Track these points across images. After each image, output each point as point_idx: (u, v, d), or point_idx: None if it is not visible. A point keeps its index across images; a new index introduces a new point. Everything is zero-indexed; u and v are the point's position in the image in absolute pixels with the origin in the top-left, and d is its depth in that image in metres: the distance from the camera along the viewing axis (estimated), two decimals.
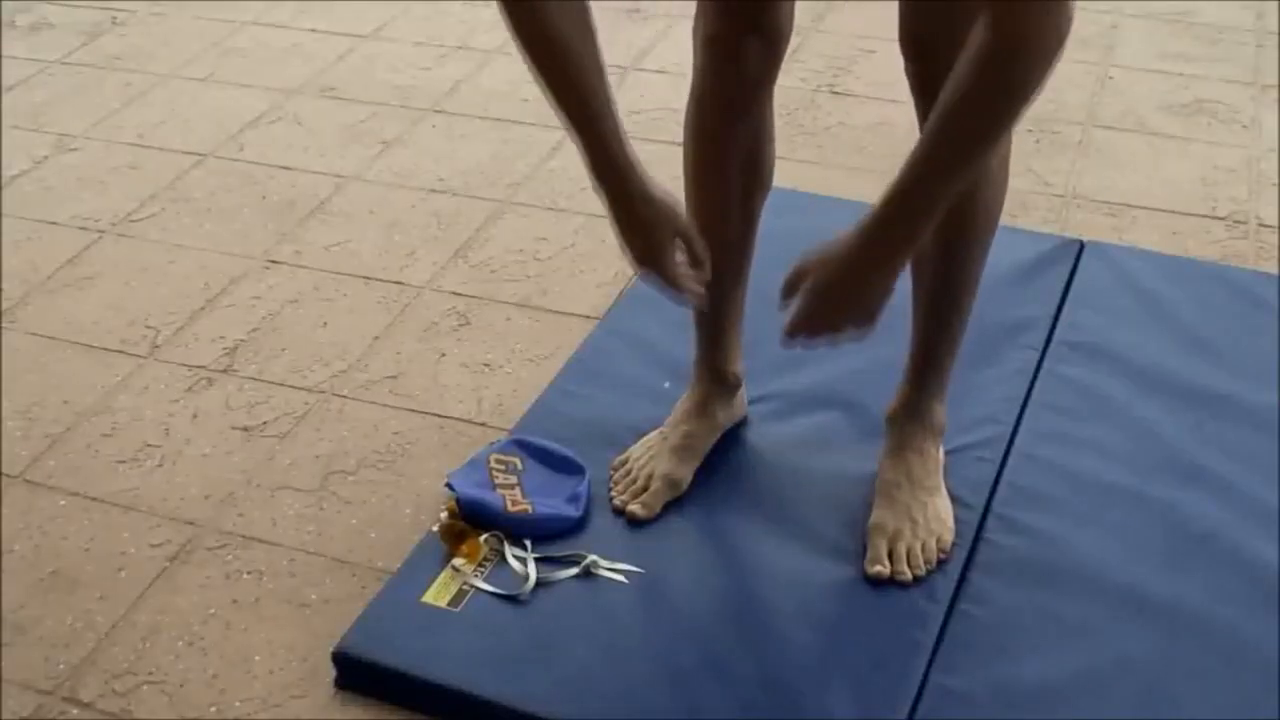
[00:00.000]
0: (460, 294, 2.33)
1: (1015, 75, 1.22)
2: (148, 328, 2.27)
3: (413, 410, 2.07)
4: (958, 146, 1.29)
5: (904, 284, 1.70)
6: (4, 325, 2.28)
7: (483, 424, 2.03)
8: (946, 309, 1.74)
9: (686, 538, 1.77)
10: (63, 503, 1.91)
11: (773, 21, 1.63)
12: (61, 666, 1.66)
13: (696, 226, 1.64)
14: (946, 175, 1.31)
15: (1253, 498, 1.80)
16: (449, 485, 1.81)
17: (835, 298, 1.41)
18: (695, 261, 1.60)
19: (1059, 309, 2.16)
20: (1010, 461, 1.87)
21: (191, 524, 1.87)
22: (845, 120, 2.85)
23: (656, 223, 1.54)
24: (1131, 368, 2.04)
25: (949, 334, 1.75)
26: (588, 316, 2.25)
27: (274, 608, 1.73)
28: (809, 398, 1.98)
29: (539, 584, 1.68)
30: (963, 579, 1.69)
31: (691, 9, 1.66)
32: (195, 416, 2.07)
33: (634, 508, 1.78)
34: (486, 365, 2.16)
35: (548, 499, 1.79)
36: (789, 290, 1.43)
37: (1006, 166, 1.62)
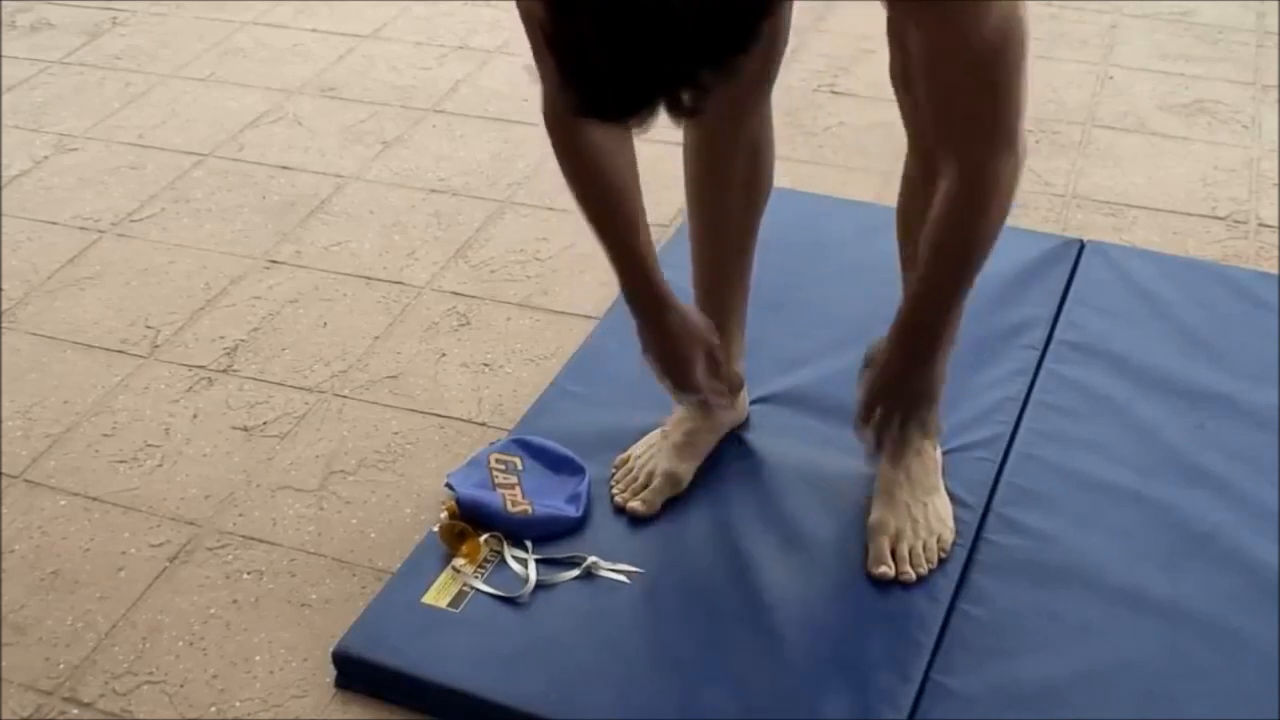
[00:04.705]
0: (460, 294, 2.33)
1: (982, 217, 1.42)
2: (148, 328, 2.27)
3: (413, 410, 2.07)
4: (948, 273, 1.49)
5: (894, 287, 1.72)
6: (4, 325, 2.28)
7: (483, 424, 2.03)
8: None
9: (687, 538, 1.77)
10: (63, 503, 1.91)
11: (772, 20, 1.63)
12: (61, 666, 1.66)
13: (697, 230, 1.75)
14: (946, 295, 1.51)
15: (1253, 498, 1.80)
16: (449, 485, 1.81)
17: (898, 397, 1.58)
18: (718, 372, 1.71)
19: (1059, 309, 2.16)
20: (1010, 461, 1.87)
21: (191, 524, 1.87)
22: (845, 120, 2.85)
23: (686, 339, 1.67)
24: (1131, 368, 2.04)
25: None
26: (588, 316, 2.25)
27: (274, 608, 1.73)
28: (809, 398, 1.98)
29: (539, 586, 1.68)
30: (963, 579, 1.69)
31: None
32: (195, 416, 2.07)
33: (634, 504, 1.78)
34: (486, 365, 2.16)
35: (547, 499, 1.79)
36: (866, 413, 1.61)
37: (1011, 196, 1.52)
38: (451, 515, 1.75)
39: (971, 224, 1.43)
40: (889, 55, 1.57)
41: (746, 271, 1.83)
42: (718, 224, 1.71)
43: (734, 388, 1.89)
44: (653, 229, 2.43)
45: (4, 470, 1.97)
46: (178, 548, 1.83)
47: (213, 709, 1.60)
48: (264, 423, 2.05)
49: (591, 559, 1.71)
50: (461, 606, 1.66)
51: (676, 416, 1.87)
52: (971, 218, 1.42)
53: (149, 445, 2.01)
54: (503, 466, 1.84)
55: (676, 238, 2.24)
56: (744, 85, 1.68)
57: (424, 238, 2.50)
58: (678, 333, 1.66)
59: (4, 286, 2.39)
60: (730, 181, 1.73)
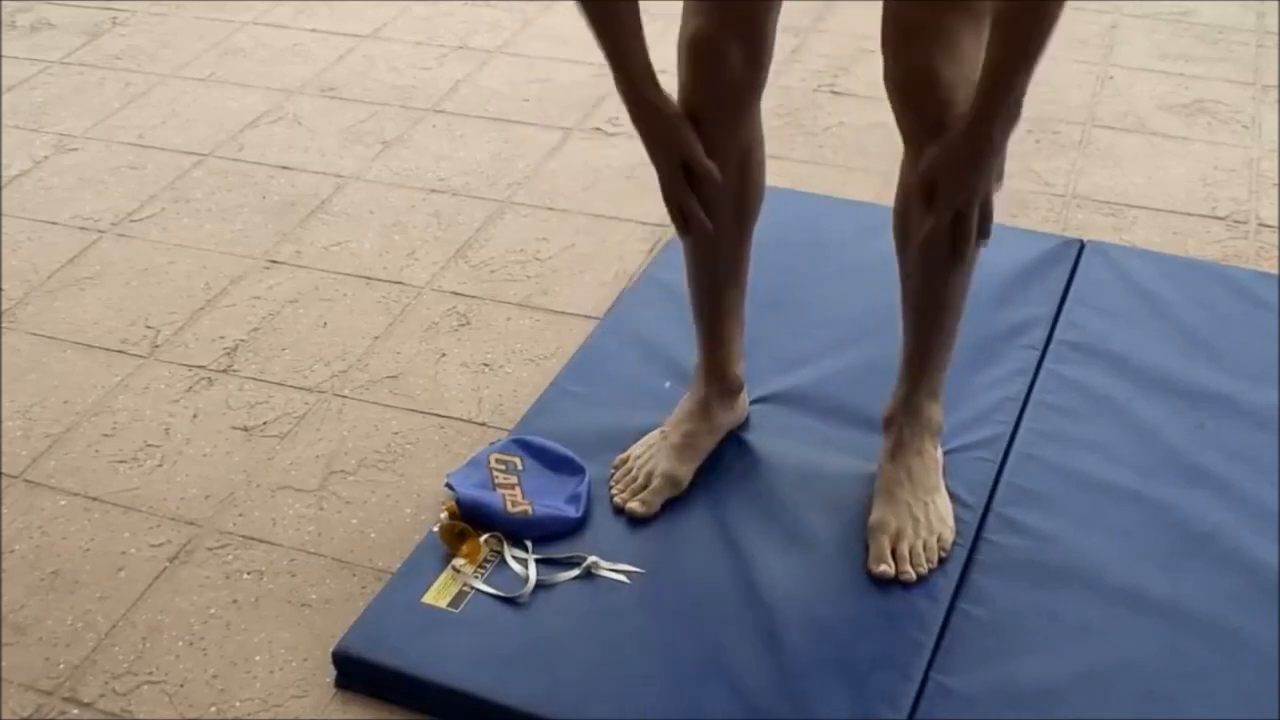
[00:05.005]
0: (460, 294, 2.33)
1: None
2: (148, 328, 2.27)
3: (413, 410, 2.07)
4: (1017, 46, 1.49)
5: (894, 288, 1.72)
6: (4, 325, 2.28)
7: (483, 424, 2.03)
8: (937, 309, 1.73)
9: (687, 538, 1.77)
10: (63, 503, 1.91)
11: (756, 28, 1.63)
12: (61, 666, 1.66)
13: (690, 240, 1.75)
14: (1014, 69, 1.50)
15: (1253, 498, 1.80)
16: (449, 485, 1.81)
17: (961, 175, 1.55)
18: (696, 181, 1.66)
19: (1059, 309, 2.16)
20: (1010, 461, 1.86)
21: (191, 524, 1.87)
22: (845, 120, 2.85)
23: (663, 139, 1.63)
24: (1131, 368, 2.04)
25: (940, 333, 1.75)
26: (588, 316, 2.25)
27: (274, 608, 1.73)
28: (809, 398, 1.98)
29: (539, 585, 1.68)
30: (963, 579, 1.69)
31: None
32: (195, 416, 2.07)
33: (633, 505, 1.78)
34: (486, 365, 2.16)
35: (547, 499, 1.79)
36: (928, 190, 1.58)
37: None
38: (451, 515, 1.75)
39: (1039, 6, 1.47)
40: (882, 61, 1.57)
41: (742, 277, 1.83)
42: (710, 233, 1.70)
43: (734, 389, 1.89)
44: (652, 229, 2.46)
45: (4, 470, 1.97)
46: (178, 548, 1.83)
47: (213, 709, 1.60)
48: (264, 423, 2.05)
49: (591, 559, 1.71)
50: (461, 606, 1.66)
51: (676, 417, 1.87)
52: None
53: (149, 445, 2.01)
54: (503, 466, 1.85)
55: (675, 240, 2.24)
56: (734, 94, 1.67)
57: (424, 238, 2.50)
58: (651, 137, 1.64)
59: (4, 286, 2.39)
60: (722, 190, 1.73)
